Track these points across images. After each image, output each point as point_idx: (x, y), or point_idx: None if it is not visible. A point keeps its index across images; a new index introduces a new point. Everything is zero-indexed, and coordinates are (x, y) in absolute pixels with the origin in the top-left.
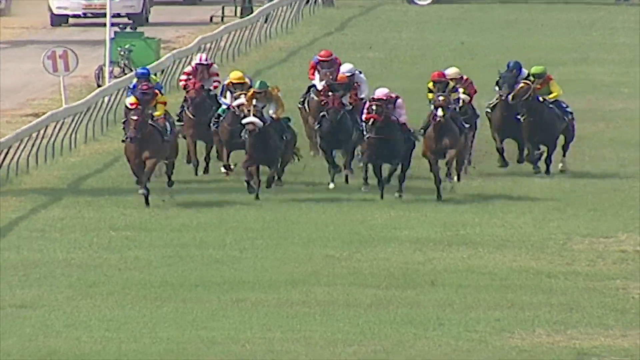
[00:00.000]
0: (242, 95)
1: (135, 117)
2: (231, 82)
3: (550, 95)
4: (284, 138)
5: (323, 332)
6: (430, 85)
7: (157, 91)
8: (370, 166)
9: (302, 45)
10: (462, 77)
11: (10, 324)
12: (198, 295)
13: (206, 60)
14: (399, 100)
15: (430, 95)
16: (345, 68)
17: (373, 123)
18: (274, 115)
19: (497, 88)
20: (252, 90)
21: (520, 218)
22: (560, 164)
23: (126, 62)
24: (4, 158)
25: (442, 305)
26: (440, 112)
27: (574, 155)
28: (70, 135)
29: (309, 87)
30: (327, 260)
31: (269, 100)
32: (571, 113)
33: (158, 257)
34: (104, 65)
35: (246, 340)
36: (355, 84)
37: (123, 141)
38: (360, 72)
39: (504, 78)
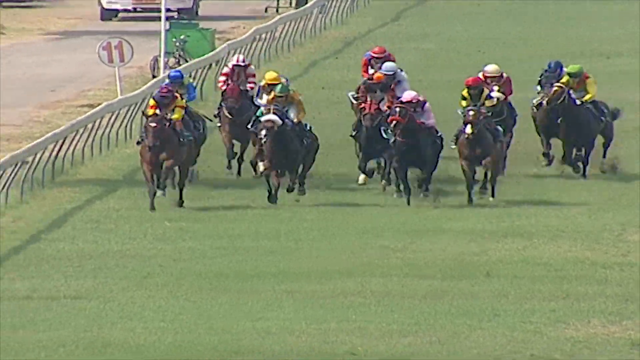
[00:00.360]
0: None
1: (153, 124)
2: (267, 84)
3: (586, 97)
4: (304, 142)
5: (378, 322)
6: (465, 92)
7: (177, 95)
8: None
9: (357, 36)
10: (501, 75)
11: (65, 315)
12: (253, 286)
13: (243, 61)
14: (427, 105)
15: (464, 103)
16: (387, 67)
17: (396, 125)
18: (294, 119)
19: (538, 87)
20: (273, 94)
21: (575, 209)
22: (601, 164)
23: (181, 52)
24: (60, 149)
25: (497, 296)
26: (469, 130)
27: (630, 145)
28: (126, 126)
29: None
30: (382, 251)
31: (290, 104)
32: (609, 114)
33: (213, 248)
34: (159, 56)
35: (301, 331)
36: (394, 83)
37: (138, 142)
38: (402, 71)
39: (547, 78)
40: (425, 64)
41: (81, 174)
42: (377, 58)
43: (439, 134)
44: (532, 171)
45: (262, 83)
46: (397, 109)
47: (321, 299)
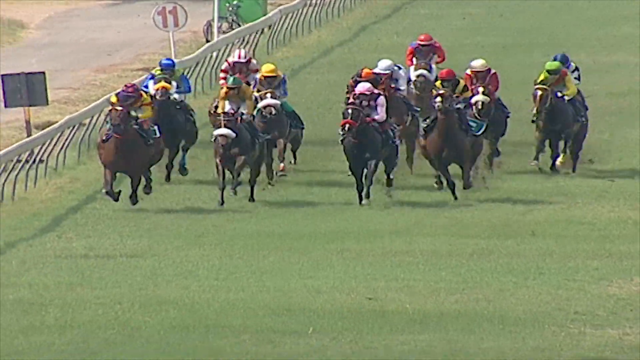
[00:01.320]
0: (269, 94)
1: (120, 108)
2: (263, 77)
3: (567, 92)
4: (257, 141)
5: (426, 281)
6: (438, 84)
7: (142, 92)
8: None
9: (405, 1)
10: (488, 70)
11: (122, 273)
12: (304, 245)
13: (245, 57)
14: (381, 98)
15: (433, 92)
16: (384, 64)
17: (349, 129)
18: (246, 112)
19: None
20: (225, 88)
21: (618, 170)
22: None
23: (234, 17)
24: None
25: (542, 255)
26: (438, 100)
27: None
28: None
29: (408, 81)
30: (430, 210)
31: (242, 99)
32: (585, 117)
33: (265, 208)
34: (213, 20)
35: (351, 289)
36: (391, 80)
37: (104, 141)
38: (400, 68)
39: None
40: (471, 28)
41: None
42: (422, 46)
43: (391, 133)
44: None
45: (259, 75)
46: (350, 111)
47: (370, 258)
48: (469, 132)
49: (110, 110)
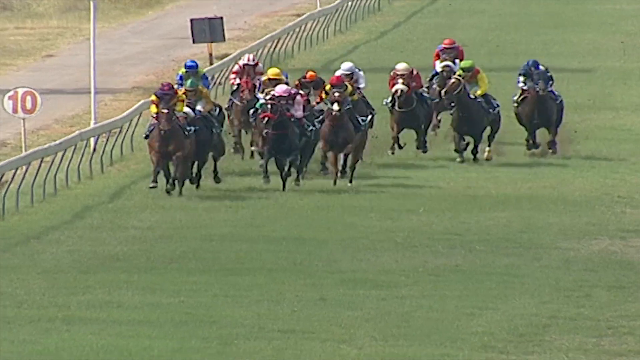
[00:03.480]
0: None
1: (166, 110)
2: (268, 78)
3: (478, 92)
4: (213, 132)
5: (506, 172)
6: (328, 87)
7: (177, 90)
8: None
9: None
10: (411, 71)
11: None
12: (415, 152)
13: (253, 60)
14: (298, 97)
15: (324, 96)
16: (345, 66)
17: (268, 122)
18: (202, 110)
19: (521, 84)
20: (183, 89)
21: None
22: (486, 153)
23: None
24: (275, 46)
25: (593, 154)
26: (336, 107)
27: None
28: (323, 29)
29: (432, 75)
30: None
31: (199, 98)
32: (498, 106)
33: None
34: None
35: (451, 179)
36: (353, 80)
37: (146, 137)
38: (360, 70)
39: (538, 74)
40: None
41: (293, 65)
42: (447, 49)
43: (308, 127)
44: (622, 60)
45: (264, 78)
46: (269, 106)
47: (467, 159)
48: (359, 129)
49: (157, 113)
